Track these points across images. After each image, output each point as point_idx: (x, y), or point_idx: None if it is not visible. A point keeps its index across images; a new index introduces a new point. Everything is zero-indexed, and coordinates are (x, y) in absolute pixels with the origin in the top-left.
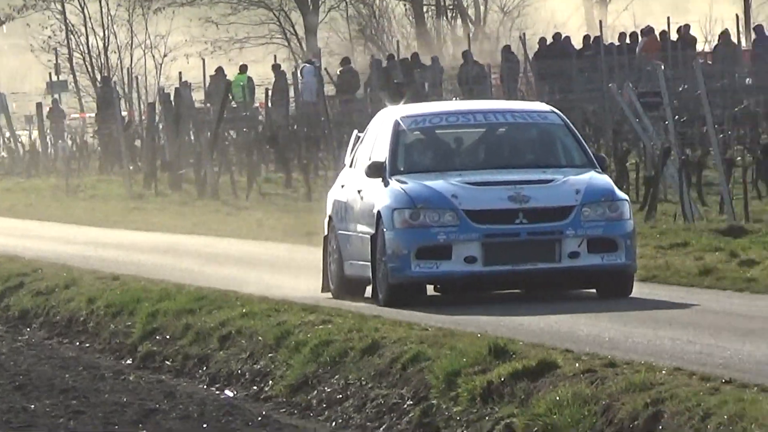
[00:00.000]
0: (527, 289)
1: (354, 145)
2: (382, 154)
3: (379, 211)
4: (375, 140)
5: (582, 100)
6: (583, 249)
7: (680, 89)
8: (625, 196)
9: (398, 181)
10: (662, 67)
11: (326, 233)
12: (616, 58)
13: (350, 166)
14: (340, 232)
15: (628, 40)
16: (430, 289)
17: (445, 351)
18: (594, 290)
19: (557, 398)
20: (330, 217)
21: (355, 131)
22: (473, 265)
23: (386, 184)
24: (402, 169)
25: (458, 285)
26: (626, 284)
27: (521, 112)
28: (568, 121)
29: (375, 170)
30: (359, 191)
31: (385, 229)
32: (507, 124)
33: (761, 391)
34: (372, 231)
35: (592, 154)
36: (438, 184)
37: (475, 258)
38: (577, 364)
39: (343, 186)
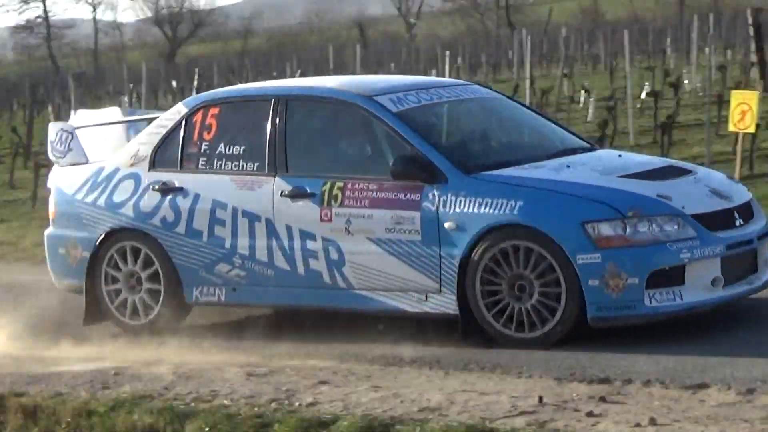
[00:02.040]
0: None
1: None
2: (361, 147)
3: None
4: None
5: None
6: None
7: None
8: None
9: (492, 179)
10: None
11: (98, 252)
12: None
13: (152, 167)
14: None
15: None
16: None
17: None
18: None
19: None
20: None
21: (57, 124)
22: (716, 290)
23: (458, 186)
24: (470, 165)
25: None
26: None
27: (473, 88)
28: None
29: (410, 168)
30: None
31: (577, 253)
32: (492, 99)
33: None
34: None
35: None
36: (595, 180)
37: (720, 279)
38: None
39: (186, 191)
